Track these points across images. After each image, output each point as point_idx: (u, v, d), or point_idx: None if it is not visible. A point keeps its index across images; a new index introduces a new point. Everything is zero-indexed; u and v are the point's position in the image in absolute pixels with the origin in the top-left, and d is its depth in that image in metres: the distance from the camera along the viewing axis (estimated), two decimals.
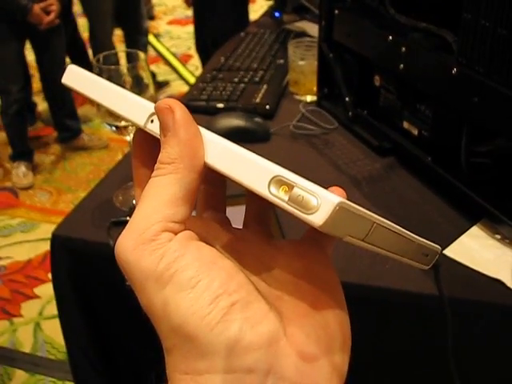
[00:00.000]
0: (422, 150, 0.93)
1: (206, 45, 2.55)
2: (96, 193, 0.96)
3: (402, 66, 0.91)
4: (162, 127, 0.27)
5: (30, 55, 2.81)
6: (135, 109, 0.31)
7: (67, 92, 2.92)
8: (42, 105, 3.35)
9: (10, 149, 2.83)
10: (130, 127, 0.86)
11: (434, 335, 0.76)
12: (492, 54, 0.72)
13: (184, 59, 4.31)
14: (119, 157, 2.28)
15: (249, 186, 0.25)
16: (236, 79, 1.29)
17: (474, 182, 0.83)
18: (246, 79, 1.29)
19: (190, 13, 2.88)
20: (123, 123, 0.85)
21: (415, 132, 0.95)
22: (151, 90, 0.87)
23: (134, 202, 0.84)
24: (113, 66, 0.85)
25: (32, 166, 2.87)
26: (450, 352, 0.44)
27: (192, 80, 3.59)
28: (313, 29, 1.47)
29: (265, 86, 1.26)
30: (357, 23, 1.03)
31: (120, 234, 0.26)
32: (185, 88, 3.57)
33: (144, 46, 3.53)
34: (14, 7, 2.43)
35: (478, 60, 0.75)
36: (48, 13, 2.53)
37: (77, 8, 3.34)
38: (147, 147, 0.32)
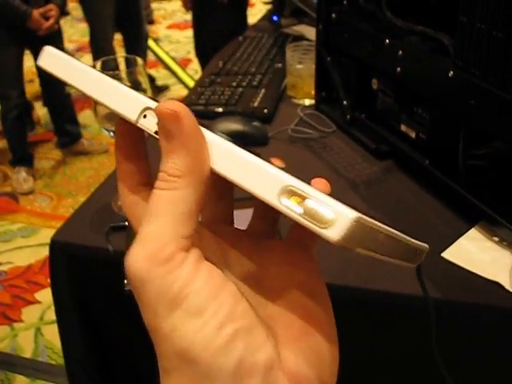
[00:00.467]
0: (420, 152, 0.93)
1: (205, 49, 2.56)
2: (95, 198, 0.96)
3: (399, 69, 0.91)
4: (166, 133, 0.26)
5: (29, 60, 2.81)
6: (125, 101, 0.29)
7: (67, 97, 2.93)
8: (41, 110, 3.36)
9: (10, 154, 2.83)
10: None
11: (432, 338, 0.76)
12: (488, 57, 0.73)
13: (183, 63, 4.32)
14: None
15: (258, 195, 0.24)
16: (234, 83, 1.29)
17: (472, 184, 0.83)
18: (244, 83, 1.29)
19: (189, 17, 2.89)
20: None
21: (413, 135, 0.95)
22: (149, 95, 0.88)
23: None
24: (111, 72, 0.85)
25: (32, 171, 2.87)
26: (436, 352, 0.44)
27: (191, 84, 3.60)
28: (311, 32, 1.47)
29: (263, 90, 1.26)
30: (354, 27, 1.03)
31: (127, 246, 0.25)
32: (184, 92, 3.58)
33: (144, 50, 3.54)
34: (14, 13, 2.44)
35: (474, 63, 0.75)
36: (47, 18, 2.54)
37: (78, 13, 3.35)
38: (131, 139, 0.31)
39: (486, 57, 0.73)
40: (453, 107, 0.81)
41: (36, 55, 2.74)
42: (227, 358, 0.23)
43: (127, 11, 3.26)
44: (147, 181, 0.31)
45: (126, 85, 0.29)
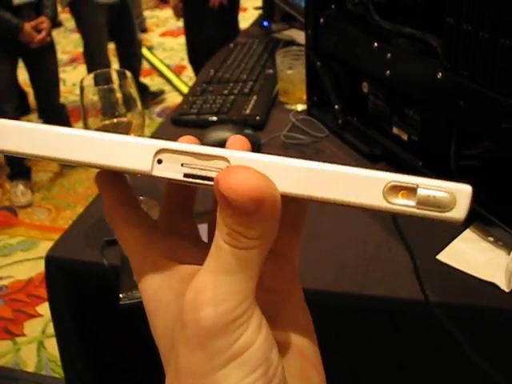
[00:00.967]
0: (413, 154, 0.93)
1: (198, 56, 2.56)
2: (89, 212, 0.96)
3: (388, 72, 0.91)
4: (237, 210, 0.22)
5: (22, 74, 2.81)
6: (127, 152, 0.24)
7: (62, 109, 2.93)
8: (37, 122, 3.35)
9: (8, 168, 2.83)
10: None
11: (428, 342, 0.76)
12: (475, 58, 0.73)
13: (178, 70, 4.32)
14: None
15: (360, 203, 0.23)
16: (226, 91, 1.29)
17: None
18: (235, 91, 1.29)
19: (181, 24, 2.89)
20: None
21: (405, 137, 0.95)
22: (139, 106, 0.88)
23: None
24: (105, 86, 0.85)
25: (30, 184, 2.87)
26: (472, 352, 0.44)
27: (186, 91, 3.60)
28: (302, 37, 1.47)
29: (254, 97, 1.26)
30: (342, 31, 1.03)
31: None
32: (179, 99, 3.57)
33: (138, 58, 3.54)
34: (5, 27, 2.44)
35: (462, 64, 0.75)
36: (39, 31, 2.54)
37: (70, 24, 3.36)
38: (116, 186, 0.29)
39: (473, 58, 0.73)
40: (443, 109, 0.81)
41: (29, 68, 2.75)
42: None
43: (120, 20, 3.26)
44: (128, 200, 0.30)
45: (118, 133, 0.25)
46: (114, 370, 0.96)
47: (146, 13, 5.45)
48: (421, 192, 0.22)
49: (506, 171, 0.78)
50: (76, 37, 3.44)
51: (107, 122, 0.86)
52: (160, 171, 0.24)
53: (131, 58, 3.43)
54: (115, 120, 0.86)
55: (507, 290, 0.71)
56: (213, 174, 0.24)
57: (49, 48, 2.68)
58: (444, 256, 0.78)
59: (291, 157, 0.24)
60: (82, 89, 0.85)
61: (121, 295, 0.76)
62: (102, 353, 0.93)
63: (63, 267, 0.87)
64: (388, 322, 0.76)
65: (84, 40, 3.23)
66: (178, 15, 2.87)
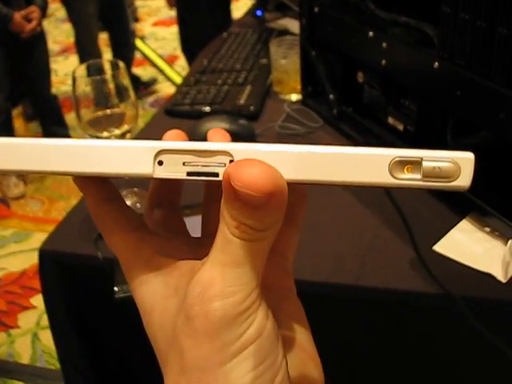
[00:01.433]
0: (408, 144, 0.92)
1: (190, 45, 2.54)
2: (82, 205, 0.95)
3: (384, 61, 0.90)
4: (246, 203, 0.22)
5: None
6: (126, 157, 0.24)
7: (54, 99, 2.91)
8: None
9: None
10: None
11: (426, 332, 0.76)
12: (472, 47, 0.72)
13: (170, 60, 4.29)
14: None
15: (368, 182, 0.23)
16: (219, 81, 1.28)
17: None
18: (229, 81, 1.28)
19: (174, 13, 2.87)
20: (105, 134, 0.85)
21: (400, 127, 0.94)
22: (132, 96, 0.87)
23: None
24: (98, 77, 0.84)
25: (23, 175, 2.85)
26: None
27: (179, 81, 3.58)
28: (295, 26, 1.46)
29: (248, 87, 1.25)
30: (337, 20, 1.02)
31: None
32: (172, 89, 3.56)
33: (131, 48, 3.52)
34: None
35: (459, 53, 0.74)
36: (29, 20, 2.51)
37: (61, 13, 3.33)
38: (97, 184, 0.29)
39: (470, 47, 0.72)
40: (439, 98, 0.81)
41: (20, 58, 2.72)
42: None
43: (112, 9, 3.23)
44: (111, 196, 0.30)
45: (112, 138, 0.25)
46: (109, 361, 0.95)
47: (138, 2, 5.39)
48: (426, 164, 0.23)
49: (503, 161, 0.77)
50: (67, 27, 3.41)
51: (100, 112, 0.85)
52: (162, 172, 0.24)
53: (123, 48, 3.41)
54: (108, 111, 0.85)
55: (504, 281, 0.71)
56: (217, 170, 0.24)
57: (39, 38, 2.65)
58: (440, 247, 0.77)
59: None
60: (74, 79, 0.84)
61: (116, 288, 0.75)
62: (97, 344, 0.93)
63: (57, 260, 0.86)
64: (385, 313, 0.76)
65: (75, 30, 3.20)
66: (171, 4, 2.85)
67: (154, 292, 0.27)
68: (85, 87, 0.84)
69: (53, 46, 4.30)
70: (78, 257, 0.85)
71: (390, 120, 0.97)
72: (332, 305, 0.77)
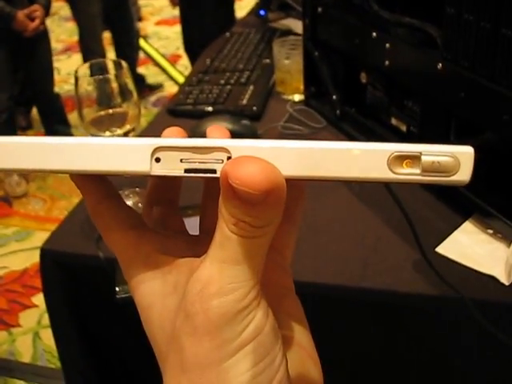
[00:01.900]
0: None
1: (193, 45, 2.54)
2: (84, 204, 0.95)
3: (387, 62, 0.90)
4: (244, 201, 0.22)
5: None
6: (123, 155, 0.24)
7: (57, 98, 2.91)
8: (32, 111, 3.33)
9: None
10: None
11: (427, 335, 0.75)
12: (476, 49, 0.72)
13: (173, 59, 4.29)
14: None
15: (367, 177, 0.23)
16: (222, 81, 1.28)
17: None
18: (232, 81, 1.28)
19: (177, 12, 2.87)
20: (108, 133, 0.84)
21: (404, 128, 0.94)
22: (135, 96, 0.87)
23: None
24: (101, 76, 0.84)
25: (24, 174, 2.86)
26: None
27: (182, 80, 3.58)
28: (298, 26, 1.46)
29: (251, 87, 1.25)
30: (340, 20, 1.02)
31: None
32: (175, 89, 3.56)
33: (135, 47, 3.51)
34: None
35: (463, 55, 0.74)
36: (32, 19, 2.51)
37: (65, 12, 3.32)
38: (95, 182, 0.29)
39: (474, 48, 0.72)
40: (442, 100, 0.81)
41: (24, 57, 2.72)
42: None
43: (116, 9, 3.23)
44: (108, 193, 0.30)
45: (108, 136, 0.25)
46: (110, 361, 0.95)
47: (141, 1, 5.39)
48: (425, 159, 0.22)
49: (506, 163, 0.77)
50: (70, 25, 3.41)
51: (102, 112, 0.85)
52: (159, 170, 0.24)
53: (126, 48, 3.40)
54: (110, 110, 0.85)
55: (507, 283, 0.70)
56: (215, 166, 0.24)
57: (42, 36, 2.65)
58: (443, 249, 0.77)
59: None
60: (76, 79, 0.83)
61: (117, 288, 0.75)
62: (98, 344, 0.92)
63: (59, 260, 0.86)
64: (387, 314, 0.76)
65: (79, 29, 3.20)
66: (174, 3, 2.84)
67: (153, 290, 0.27)
68: (87, 86, 0.84)
69: (56, 44, 4.30)
70: (80, 256, 0.84)
71: (393, 121, 0.96)
72: (335, 307, 0.77)
